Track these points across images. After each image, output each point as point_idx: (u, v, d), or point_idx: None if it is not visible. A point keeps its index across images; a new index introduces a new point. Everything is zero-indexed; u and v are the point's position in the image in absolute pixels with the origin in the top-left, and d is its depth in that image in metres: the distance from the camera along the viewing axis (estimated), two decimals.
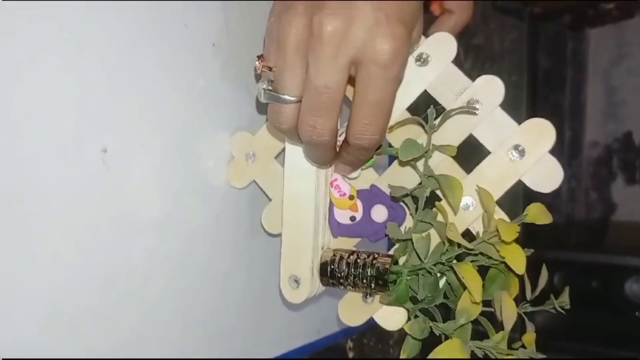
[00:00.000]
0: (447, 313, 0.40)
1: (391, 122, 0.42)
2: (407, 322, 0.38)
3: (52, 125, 0.36)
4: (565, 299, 0.37)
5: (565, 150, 1.67)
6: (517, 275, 0.35)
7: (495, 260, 0.36)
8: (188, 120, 0.46)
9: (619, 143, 1.70)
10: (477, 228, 0.41)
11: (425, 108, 0.41)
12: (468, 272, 0.35)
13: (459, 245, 0.36)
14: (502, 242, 0.33)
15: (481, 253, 0.36)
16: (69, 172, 0.37)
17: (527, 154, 0.39)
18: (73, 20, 0.37)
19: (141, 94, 0.42)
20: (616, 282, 1.46)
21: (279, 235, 0.46)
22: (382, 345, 0.71)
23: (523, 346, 0.36)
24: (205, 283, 0.49)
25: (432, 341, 0.39)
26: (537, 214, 0.35)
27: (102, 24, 0.39)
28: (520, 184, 0.40)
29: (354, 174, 0.44)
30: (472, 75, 0.40)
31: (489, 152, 0.40)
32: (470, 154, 0.43)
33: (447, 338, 0.38)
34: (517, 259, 0.33)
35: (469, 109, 0.38)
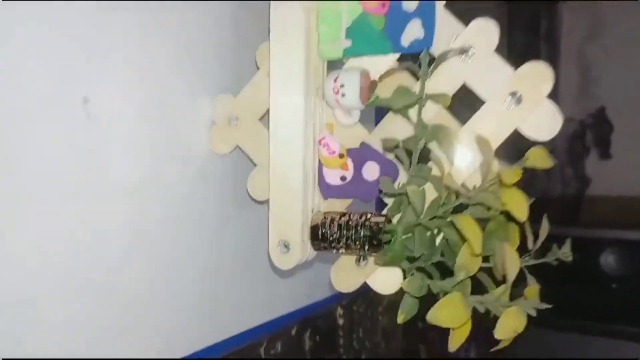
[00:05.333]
0: (444, 274, 0.39)
1: (381, 72, 0.41)
2: (404, 280, 0.36)
3: (30, 71, 0.33)
4: (567, 250, 0.36)
5: None
6: (518, 226, 0.34)
7: (495, 210, 0.34)
8: (168, 79, 0.43)
9: (593, 119, 1.72)
10: (472, 182, 0.39)
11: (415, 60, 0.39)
12: (468, 224, 0.33)
13: (457, 197, 0.34)
14: (504, 186, 0.31)
15: (480, 203, 0.34)
16: (50, 123, 0.35)
17: (524, 101, 0.37)
18: None
19: (122, 46, 0.39)
20: (591, 255, 1.48)
21: (266, 202, 0.44)
22: (371, 312, 0.70)
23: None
24: (190, 249, 0.47)
25: (428, 306, 0.38)
26: (538, 157, 0.33)
27: None
28: None
29: (347, 120, 0.41)
30: None
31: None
32: (462, 112, 0.41)
33: None
34: (519, 204, 0.31)
35: (463, 49, 0.36)
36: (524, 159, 0.33)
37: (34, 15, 0.33)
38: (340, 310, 0.66)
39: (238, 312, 0.52)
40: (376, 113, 0.61)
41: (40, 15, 0.33)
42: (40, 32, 0.34)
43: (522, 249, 0.37)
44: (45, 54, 0.34)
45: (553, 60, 1.70)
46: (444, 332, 0.37)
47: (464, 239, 0.36)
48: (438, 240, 0.38)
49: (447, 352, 0.36)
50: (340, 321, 0.66)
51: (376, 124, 0.51)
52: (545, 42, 1.71)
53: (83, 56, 0.36)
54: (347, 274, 0.43)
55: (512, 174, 0.30)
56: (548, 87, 0.37)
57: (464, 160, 0.38)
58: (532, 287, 0.34)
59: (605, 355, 1.11)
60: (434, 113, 0.40)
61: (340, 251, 0.41)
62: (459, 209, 0.36)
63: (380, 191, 0.39)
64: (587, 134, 1.72)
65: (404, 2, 0.39)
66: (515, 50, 1.62)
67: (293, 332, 0.61)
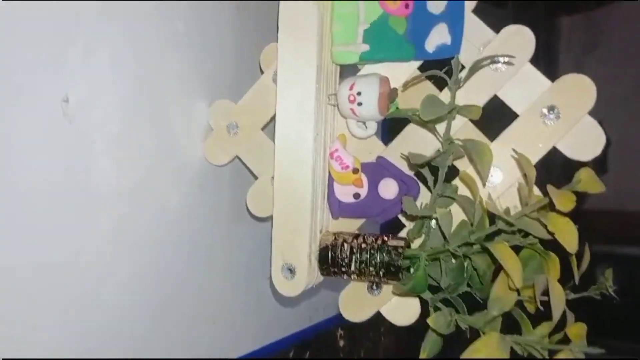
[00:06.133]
0: (468, 306, 0.34)
1: (401, 80, 0.37)
2: (430, 316, 0.32)
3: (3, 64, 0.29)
4: (610, 282, 0.32)
5: None
6: (563, 256, 0.30)
7: (534, 238, 0.30)
8: (160, 80, 0.39)
9: None
10: (503, 204, 0.35)
11: (436, 67, 0.35)
12: (506, 253, 0.29)
13: (492, 222, 0.30)
14: (557, 212, 0.27)
15: (519, 230, 0.30)
16: (24, 122, 0.30)
17: (563, 117, 0.33)
18: None
19: (110, 40, 0.34)
20: (587, 270, 1.46)
21: (268, 218, 0.39)
22: (373, 333, 0.66)
23: (566, 339, 0.30)
24: (180, 266, 0.42)
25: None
26: (589, 180, 0.29)
27: None
28: None
29: (362, 132, 0.37)
30: None
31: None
32: (487, 122, 0.37)
33: (472, 333, 0.32)
34: (569, 234, 0.27)
35: (504, 57, 0.32)
36: (574, 182, 0.29)
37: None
38: (340, 332, 0.61)
39: (231, 336, 0.48)
40: (383, 123, 0.57)
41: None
42: (11, 17, 0.29)
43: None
44: (18, 43, 0.29)
45: (551, 73, 1.68)
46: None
47: (495, 269, 0.32)
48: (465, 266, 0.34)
49: None
50: (341, 343, 0.62)
51: (383, 134, 0.47)
52: (543, 54, 1.69)
53: (62, 49, 0.32)
54: (359, 302, 0.38)
55: (567, 200, 0.26)
56: (590, 102, 0.33)
57: (494, 180, 0.34)
58: (577, 327, 0.30)
59: None
60: (459, 126, 0.36)
61: (352, 277, 0.36)
62: (491, 234, 0.32)
63: (402, 211, 0.35)
64: None
65: (429, 3, 0.35)
66: None
67: (291, 354, 0.56)
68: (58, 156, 0.32)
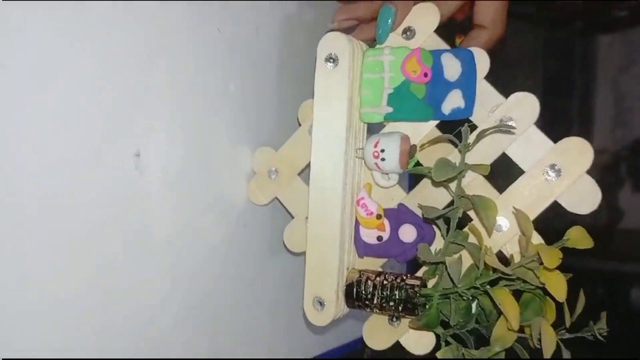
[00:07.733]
0: (477, 339, 0.39)
1: (421, 139, 0.41)
2: (440, 350, 0.36)
3: (84, 126, 0.35)
4: (603, 325, 0.36)
5: None
6: (556, 301, 0.34)
7: (532, 285, 0.35)
8: (210, 131, 0.45)
9: (627, 150, 1.69)
10: (509, 250, 0.39)
11: (452, 125, 0.40)
12: (505, 298, 0.33)
13: (495, 270, 0.35)
14: (544, 268, 0.32)
15: (518, 278, 0.35)
16: (102, 177, 0.37)
17: (563, 174, 0.38)
18: (105, 22, 0.36)
19: (165, 100, 0.41)
20: (622, 289, 1.45)
21: (302, 253, 0.45)
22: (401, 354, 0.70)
23: None
24: (225, 295, 0.48)
25: None
26: (579, 238, 0.34)
27: (133, 26, 0.37)
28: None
29: (385, 182, 0.42)
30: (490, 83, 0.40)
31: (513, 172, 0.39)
32: (497, 172, 0.41)
33: None
34: (558, 285, 0.32)
35: (505, 127, 0.37)
36: (564, 240, 0.34)
37: (79, 60, 0.35)
38: (368, 351, 0.66)
39: (268, 354, 0.53)
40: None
41: (87, 60, 0.35)
42: (90, 76, 0.35)
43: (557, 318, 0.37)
44: (96, 104, 0.36)
45: (588, 90, 1.68)
46: None
47: (499, 309, 0.36)
48: (473, 307, 0.39)
49: None
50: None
51: (410, 181, 0.52)
52: (580, 71, 1.69)
53: (132, 108, 0.38)
54: (380, 332, 0.43)
55: (553, 257, 0.31)
56: (588, 161, 0.37)
57: (501, 229, 0.39)
58: None
59: None
60: (471, 178, 0.40)
61: (374, 310, 0.41)
62: (496, 279, 0.36)
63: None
64: (620, 165, 1.69)
65: (445, 72, 0.40)
66: (551, 79, 1.61)
67: None
68: (124, 202, 0.38)
